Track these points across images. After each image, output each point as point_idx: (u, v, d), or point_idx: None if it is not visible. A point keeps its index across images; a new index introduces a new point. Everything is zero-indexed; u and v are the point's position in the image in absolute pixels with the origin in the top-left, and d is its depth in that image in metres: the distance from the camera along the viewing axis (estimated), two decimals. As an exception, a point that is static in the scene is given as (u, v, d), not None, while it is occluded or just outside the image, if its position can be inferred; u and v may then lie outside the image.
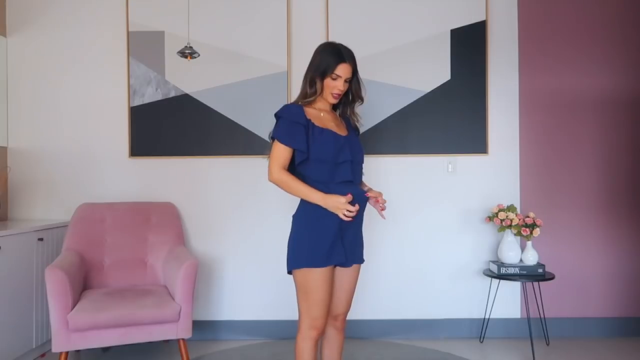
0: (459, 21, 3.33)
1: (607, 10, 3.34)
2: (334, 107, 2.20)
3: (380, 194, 2.10)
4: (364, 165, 2.19)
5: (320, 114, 2.08)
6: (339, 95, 2.07)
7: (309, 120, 2.02)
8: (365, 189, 2.17)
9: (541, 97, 3.35)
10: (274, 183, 2.03)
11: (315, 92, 2.06)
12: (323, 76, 2.04)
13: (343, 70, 2.03)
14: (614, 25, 3.34)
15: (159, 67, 3.32)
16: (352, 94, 2.14)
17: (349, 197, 1.95)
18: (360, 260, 2.14)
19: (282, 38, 3.32)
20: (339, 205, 1.94)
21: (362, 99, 2.17)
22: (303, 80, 2.10)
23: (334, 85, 2.04)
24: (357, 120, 2.23)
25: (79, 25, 3.36)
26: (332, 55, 2.04)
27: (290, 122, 2.01)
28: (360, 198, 2.04)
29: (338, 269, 2.09)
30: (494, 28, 3.34)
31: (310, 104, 2.10)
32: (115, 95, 3.35)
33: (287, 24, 3.33)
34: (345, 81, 2.06)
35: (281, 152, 2.01)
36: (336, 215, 1.96)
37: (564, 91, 3.36)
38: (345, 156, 2.03)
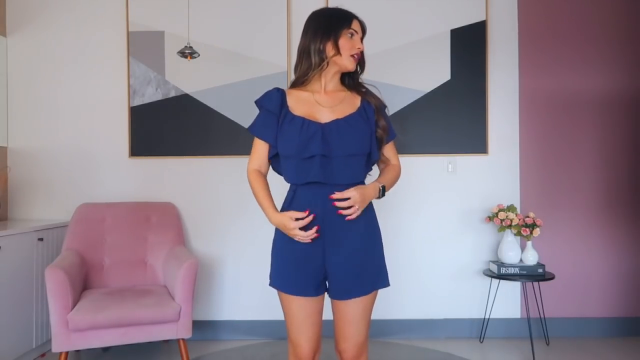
0: (459, 21, 3.33)
1: (607, 10, 3.34)
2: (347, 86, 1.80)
3: (347, 193, 1.62)
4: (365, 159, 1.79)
5: (312, 97, 1.72)
6: (359, 56, 1.74)
7: (285, 106, 1.69)
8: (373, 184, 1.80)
9: (541, 97, 3.35)
10: None
11: (323, 60, 1.67)
12: (336, 37, 1.68)
13: (357, 26, 1.73)
14: (614, 24, 3.34)
15: (159, 67, 3.32)
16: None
17: (304, 213, 1.60)
18: (360, 291, 1.66)
19: (282, 38, 3.32)
20: (285, 229, 1.62)
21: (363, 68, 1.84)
22: (298, 57, 1.75)
23: (352, 45, 1.69)
24: (373, 94, 1.80)
25: (79, 25, 3.36)
26: (339, 13, 1.73)
27: (265, 112, 1.72)
28: (323, 210, 1.63)
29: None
30: (494, 28, 3.34)
31: (305, 84, 1.74)
32: (115, 95, 3.35)
33: (287, 24, 3.33)
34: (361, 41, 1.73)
35: (256, 146, 1.75)
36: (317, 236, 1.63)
37: (564, 91, 3.36)
38: (314, 149, 1.61)
